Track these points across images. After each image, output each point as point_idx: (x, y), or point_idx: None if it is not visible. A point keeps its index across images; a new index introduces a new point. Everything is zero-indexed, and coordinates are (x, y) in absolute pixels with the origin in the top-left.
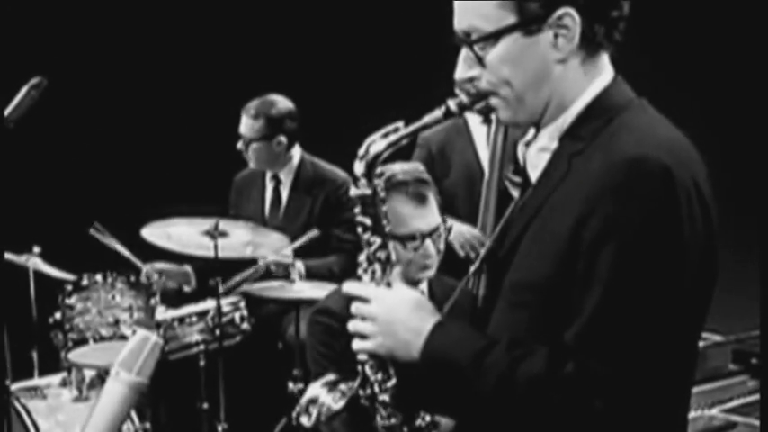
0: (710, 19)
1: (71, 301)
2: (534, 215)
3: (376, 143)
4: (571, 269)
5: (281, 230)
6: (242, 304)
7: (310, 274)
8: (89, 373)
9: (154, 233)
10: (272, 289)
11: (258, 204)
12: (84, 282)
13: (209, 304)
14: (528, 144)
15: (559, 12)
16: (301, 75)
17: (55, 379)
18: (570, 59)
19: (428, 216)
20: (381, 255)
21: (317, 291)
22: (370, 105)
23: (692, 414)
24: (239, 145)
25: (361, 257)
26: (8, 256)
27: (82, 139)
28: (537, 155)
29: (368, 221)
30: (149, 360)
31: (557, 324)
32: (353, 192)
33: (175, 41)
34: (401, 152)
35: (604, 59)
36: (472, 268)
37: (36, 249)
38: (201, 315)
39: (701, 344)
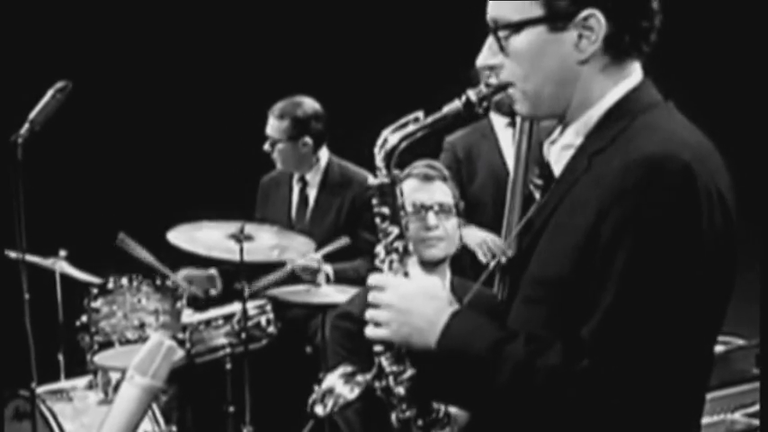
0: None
1: (97, 304)
2: (553, 211)
3: (393, 135)
4: (588, 265)
5: (308, 233)
6: (268, 307)
7: (338, 278)
8: (115, 376)
9: (180, 237)
10: (299, 293)
11: (285, 207)
12: (110, 285)
13: (236, 307)
14: (553, 142)
15: (586, 12)
16: (329, 76)
17: (81, 382)
18: (592, 62)
19: (431, 191)
20: (399, 245)
21: (344, 295)
22: (398, 107)
23: (714, 418)
24: (266, 146)
25: (379, 248)
26: (35, 259)
27: (108, 142)
28: (561, 152)
29: (386, 210)
30: (164, 363)
31: (573, 320)
32: (372, 181)
33: (202, 42)
34: (426, 155)
35: (633, 65)
36: (491, 266)
37: (62, 253)
38: (228, 318)
39: (724, 348)
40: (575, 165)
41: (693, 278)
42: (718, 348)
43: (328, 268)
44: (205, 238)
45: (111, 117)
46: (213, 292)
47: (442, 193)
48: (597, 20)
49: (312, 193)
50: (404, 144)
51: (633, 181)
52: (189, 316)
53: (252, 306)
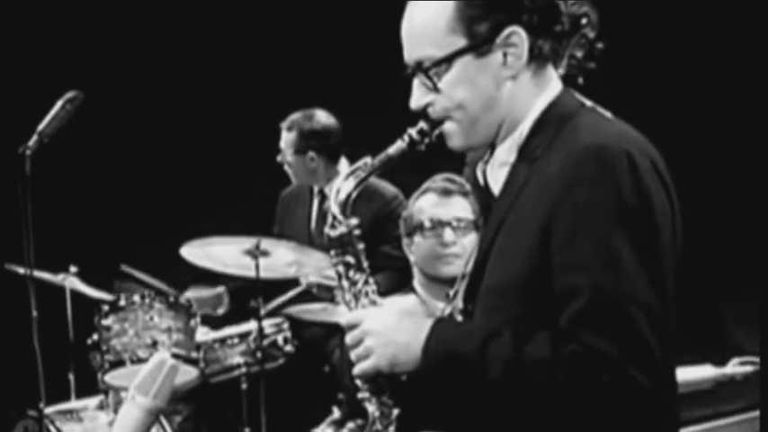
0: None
1: (108, 321)
2: (500, 224)
3: (346, 183)
4: (543, 264)
5: (327, 249)
6: (285, 326)
7: None
8: (125, 396)
9: (194, 252)
10: (316, 311)
11: (304, 221)
12: (122, 302)
13: (252, 326)
14: (485, 164)
15: (507, 31)
16: (350, 87)
17: (92, 402)
18: (521, 75)
19: (450, 207)
20: (367, 290)
21: None
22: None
23: None
24: (279, 158)
25: (348, 297)
26: (44, 275)
27: (120, 154)
28: (498, 170)
29: (350, 259)
30: (166, 383)
31: (539, 319)
32: (332, 233)
33: (216, 52)
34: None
35: (551, 71)
36: (453, 290)
37: (73, 269)
38: (243, 337)
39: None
40: (514, 177)
41: (655, 251)
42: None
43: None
44: (220, 253)
45: (123, 128)
46: (220, 311)
47: (461, 208)
48: (519, 35)
49: None
50: (356, 192)
51: (578, 172)
52: (203, 334)
53: (268, 324)
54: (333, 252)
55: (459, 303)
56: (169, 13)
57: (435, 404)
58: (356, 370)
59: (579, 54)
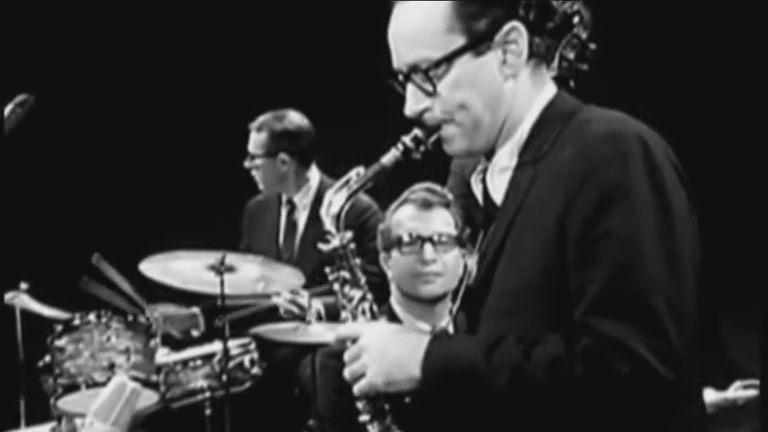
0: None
1: (61, 342)
2: (509, 227)
3: (338, 195)
4: (562, 257)
5: (297, 264)
6: (252, 347)
7: (330, 315)
8: (81, 423)
9: (153, 268)
10: (286, 331)
11: (272, 233)
12: (76, 321)
13: (216, 346)
14: (483, 171)
15: (506, 27)
16: (322, 91)
17: (43, 429)
18: (520, 74)
19: (430, 221)
20: (364, 306)
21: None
22: (399, 125)
23: None
24: (246, 162)
25: (344, 314)
26: None
27: (75, 163)
28: (499, 176)
29: (345, 275)
30: (127, 409)
31: (559, 316)
32: (324, 248)
33: (179, 56)
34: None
35: (546, 73)
36: (455, 306)
37: (23, 285)
38: (207, 359)
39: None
40: (519, 179)
41: (672, 232)
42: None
43: (318, 304)
44: (182, 269)
45: (78, 135)
46: (195, 333)
47: (443, 221)
48: (518, 31)
49: (301, 218)
50: (348, 204)
51: (593, 157)
52: (164, 356)
53: (234, 345)
54: (328, 268)
55: (442, 323)
56: (130, 20)
57: (442, 424)
58: (355, 390)
59: (571, 55)
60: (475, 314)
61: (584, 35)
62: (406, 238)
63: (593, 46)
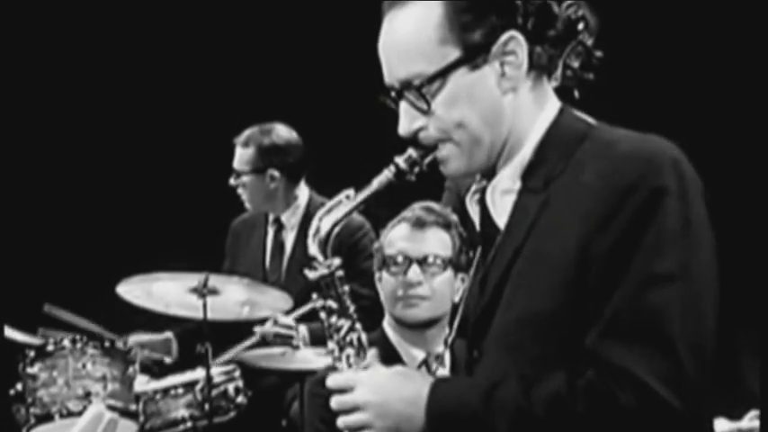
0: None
1: (34, 369)
2: (516, 252)
3: (325, 219)
4: (583, 287)
5: (284, 287)
6: (237, 374)
7: (317, 341)
8: None
9: (132, 291)
10: (273, 358)
11: (258, 254)
12: (50, 347)
13: (199, 374)
14: (479, 191)
15: (504, 37)
16: (310, 106)
17: None
18: (520, 87)
19: (422, 241)
20: (353, 337)
21: (326, 359)
22: (388, 142)
23: None
24: (231, 180)
25: (331, 345)
26: None
27: (45, 179)
28: (501, 199)
29: (332, 304)
30: None
31: (572, 349)
32: (311, 275)
33: (157, 73)
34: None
35: (548, 86)
36: (451, 337)
37: None
38: (189, 387)
39: None
40: (527, 203)
41: (700, 263)
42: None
43: (304, 330)
44: (162, 292)
45: (53, 149)
46: (168, 359)
47: (436, 242)
48: (517, 41)
49: (289, 239)
50: (337, 229)
51: (626, 182)
52: (143, 384)
53: (217, 372)
54: (315, 296)
55: (437, 349)
56: (103, 28)
57: None
58: None
59: (575, 64)
60: (476, 343)
61: (589, 42)
62: (394, 259)
63: (599, 53)
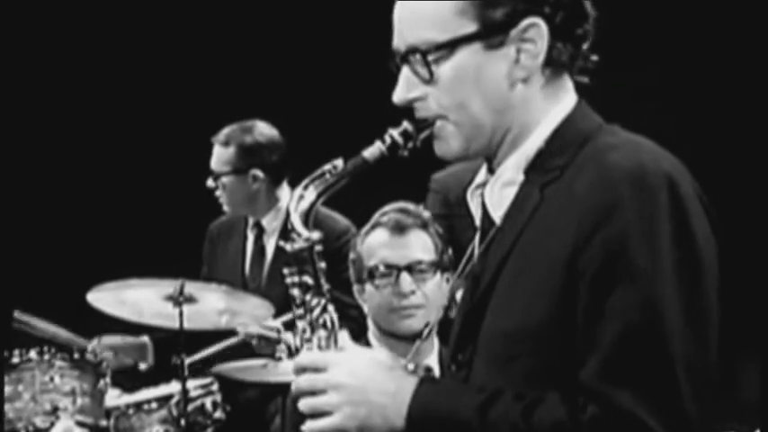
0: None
1: None
2: (506, 256)
3: (310, 189)
4: (571, 303)
5: (265, 294)
6: (215, 387)
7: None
8: None
9: (104, 299)
10: (254, 370)
11: (237, 260)
12: (15, 359)
13: (174, 387)
14: (482, 185)
15: (526, 22)
16: (289, 103)
17: None
18: (533, 79)
19: (406, 247)
20: (325, 318)
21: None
22: (371, 135)
23: None
24: (209, 182)
25: (302, 324)
26: None
27: (16, 179)
28: (501, 191)
29: (308, 280)
30: None
31: (562, 370)
32: (287, 247)
33: (126, 74)
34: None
35: (568, 82)
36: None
37: None
38: (164, 401)
39: None
40: (523, 200)
41: (697, 296)
42: None
43: (290, 339)
44: (136, 299)
45: (20, 150)
46: (143, 366)
47: (420, 246)
48: (539, 29)
49: (270, 244)
50: (322, 200)
51: (613, 201)
52: (114, 398)
53: (194, 386)
54: (287, 270)
55: (427, 360)
56: (74, 28)
57: None
58: (311, 426)
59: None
60: (460, 354)
61: (585, 46)
62: (379, 269)
63: (594, 57)
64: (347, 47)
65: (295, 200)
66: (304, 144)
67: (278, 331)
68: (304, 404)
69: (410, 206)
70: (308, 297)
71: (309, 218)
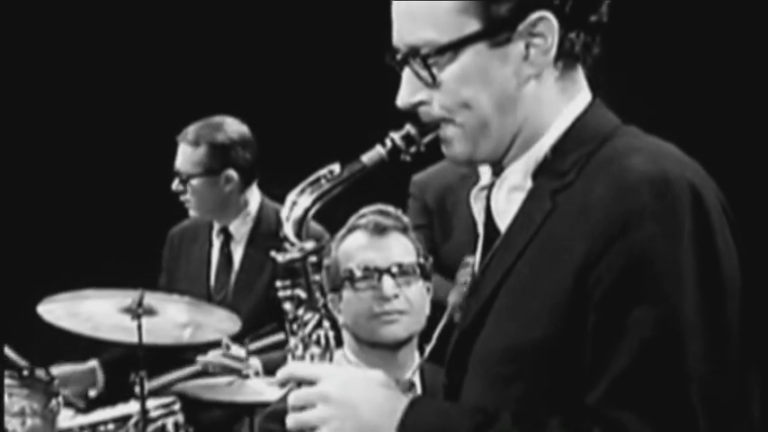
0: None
1: None
2: (511, 267)
3: (304, 196)
4: (579, 322)
5: (232, 306)
6: (176, 407)
7: (270, 370)
8: None
9: (56, 311)
10: (219, 388)
11: (201, 268)
12: None
13: (132, 407)
14: (487, 188)
15: (533, 16)
16: (258, 100)
17: None
18: (545, 75)
19: (387, 248)
20: (319, 334)
21: (279, 391)
22: (351, 138)
23: None
24: (175, 184)
25: (294, 341)
26: None
27: None
28: (507, 197)
29: (300, 293)
30: None
31: (563, 391)
32: (280, 258)
33: (80, 68)
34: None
35: (581, 76)
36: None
37: None
38: (121, 422)
39: None
40: (532, 208)
41: (718, 316)
42: None
43: (257, 364)
44: (90, 312)
45: None
46: (92, 392)
47: (402, 248)
48: (548, 23)
49: (238, 251)
50: (316, 207)
51: (633, 211)
52: (68, 419)
53: (155, 405)
54: (281, 284)
55: (409, 375)
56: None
57: None
58: None
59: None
60: (456, 368)
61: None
62: (359, 273)
63: (596, 50)
64: (346, 47)
65: (288, 207)
66: (297, 148)
67: (240, 360)
68: (290, 420)
69: (389, 208)
70: (300, 311)
71: (303, 226)
